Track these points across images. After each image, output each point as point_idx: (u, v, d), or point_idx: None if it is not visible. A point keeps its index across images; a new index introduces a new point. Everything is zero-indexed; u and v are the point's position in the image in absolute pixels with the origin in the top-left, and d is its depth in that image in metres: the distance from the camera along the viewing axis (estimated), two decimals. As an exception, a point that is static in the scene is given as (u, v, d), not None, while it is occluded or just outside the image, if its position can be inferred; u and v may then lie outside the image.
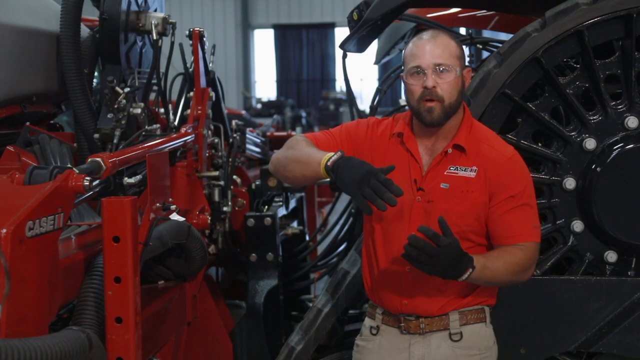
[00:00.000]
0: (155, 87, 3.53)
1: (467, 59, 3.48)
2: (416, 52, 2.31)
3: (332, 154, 2.22)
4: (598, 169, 2.74)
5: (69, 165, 2.68)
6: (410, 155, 2.38)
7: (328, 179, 2.21)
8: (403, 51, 2.41)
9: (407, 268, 2.36)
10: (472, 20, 3.88)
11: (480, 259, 2.25)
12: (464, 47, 3.55)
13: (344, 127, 2.50)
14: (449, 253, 2.14)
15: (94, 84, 3.51)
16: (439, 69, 2.27)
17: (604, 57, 2.79)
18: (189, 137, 3.31)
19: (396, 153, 2.40)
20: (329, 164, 2.19)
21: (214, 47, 4.04)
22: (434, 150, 2.37)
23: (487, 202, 2.33)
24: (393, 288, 2.41)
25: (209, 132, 3.66)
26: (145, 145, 2.76)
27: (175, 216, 2.62)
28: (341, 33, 22.54)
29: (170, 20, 3.48)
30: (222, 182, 3.67)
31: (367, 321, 2.54)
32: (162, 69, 3.55)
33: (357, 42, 3.17)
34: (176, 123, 3.66)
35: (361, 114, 3.87)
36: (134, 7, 3.36)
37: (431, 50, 2.28)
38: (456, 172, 2.34)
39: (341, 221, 4.30)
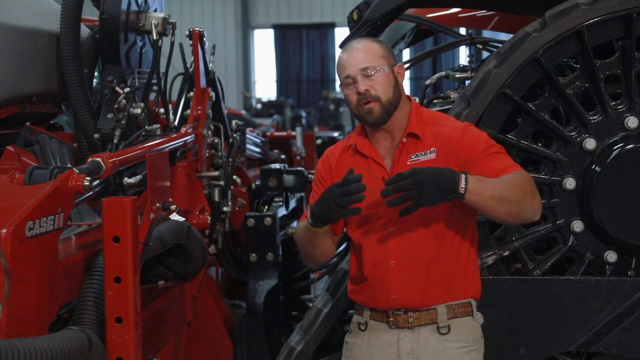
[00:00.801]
0: (155, 87, 3.53)
1: (467, 59, 3.48)
2: (343, 63, 2.44)
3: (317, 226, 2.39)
4: (598, 169, 2.74)
5: (69, 165, 2.68)
6: (371, 160, 2.47)
7: (325, 227, 2.40)
8: (336, 65, 2.51)
9: (391, 262, 2.42)
10: (472, 21, 3.88)
11: (472, 175, 2.25)
12: (465, 47, 3.57)
13: (313, 182, 2.63)
14: (422, 173, 2.18)
15: (94, 84, 3.51)
16: (367, 73, 2.38)
17: (604, 57, 2.79)
18: (189, 137, 3.31)
19: (358, 163, 2.49)
20: (309, 221, 2.39)
21: (214, 47, 4.04)
22: (394, 147, 2.45)
23: None
24: (380, 284, 2.44)
25: (209, 132, 3.66)
26: (145, 145, 2.76)
27: (175, 216, 2.62)
28: (341, 33, 22.52)
29: (170, 20, 3.48)
30: (222, 182, 3.67)
31: (356, 318, 2.58)
32: (162, 69, 3.55)
33: (357, 42, 3.16)
34: (176, 123, 3.66)
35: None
36: (134, 7, 3.36)
37: (355, 57, 2.41)
38: (417, 158, 2.41)
39: (341, 221, 4.30)
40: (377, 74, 2.38)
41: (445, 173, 2.20)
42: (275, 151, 5.82)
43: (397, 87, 2.43)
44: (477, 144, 2.38)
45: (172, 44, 3.60)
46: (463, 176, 2.21)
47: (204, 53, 3.77)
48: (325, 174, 2.56)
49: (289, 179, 4.19)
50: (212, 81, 3.88)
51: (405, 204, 2.21)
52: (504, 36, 3.63)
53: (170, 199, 2.65)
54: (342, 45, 3.23)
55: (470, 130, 2.43)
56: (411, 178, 2.17)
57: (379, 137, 2.47)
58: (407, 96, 2.51)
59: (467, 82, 3.17)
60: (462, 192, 2.20)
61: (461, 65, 3.48)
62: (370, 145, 2.49)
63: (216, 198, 3.65)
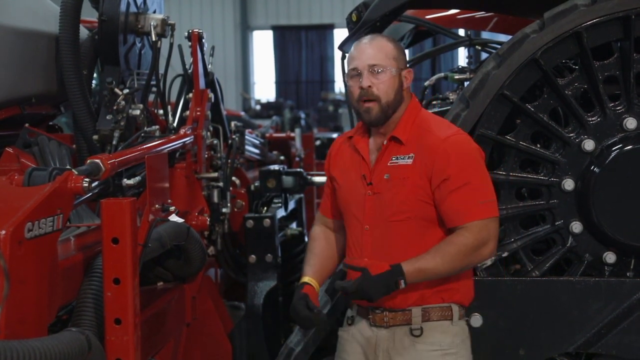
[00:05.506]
0: (154, 89, 3.53)
1: (466, 60, 3.49)
2: (354, 55, 2.47)
3: (302, 281, 2.57)
4: (597, 170, 2.74)
5: (68, 167, 2.67)
6: (360, 154, 2.53)
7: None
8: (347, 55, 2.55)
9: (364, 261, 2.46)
10: (471, 22, 3.88)
11: (413, 263, 2.34)
12: (464, 48, 3.57)
13: (326, 175, 2.71)
14: (365, 288, 2.33)
15: (93, 85, 3.51)
16: (374, 70, 2.40)
17: (603, 59, 2.79)
18: (188, 138, 3.31)
19: (351, 155, 2.58)
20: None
21: (213, 48, 4.03)
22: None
23: (427, 186, 2.40)
24: None
25: (208, 133, 3.66)
26: (145, 146, 2.76)
27: (174, 217, 2.62)
28: (340, 34, 22.49)
29: (169, 22, 3.48)
30: (221, 184, 3.67)
31: (347, 311, 2.65)
32: (161, 71, 3.55)
33: (356, 44, 3.17)
34: (175, 124, 3.65)
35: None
36: (133, 9, 3.36)
37: (367, 52, 2.44)
38: (396, 161, 2.44)
39: (340, 222, 4.30)
40: (383, 73, 2.41)
41: (386, 283, 2.32)
42: (274, 152, 5.82)
43: (400, 91, 2.46)
44: (447, 165, 2.37)
45: (171, 45, 3.59)
46: (402, 281, 2.32)
47: (203, 54, 3.77)
48: (328, 162, 2.67)
49: (287, 180, 4.20)
50: (211, 82, 3.87)
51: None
52: (503, 37, 3.64)
53: (169, 200, 2.65)
54: (341, 47, 3.24)
55: (449, 145, 2.40)
56: (357, 293, 2.35)
57: (375, 133, 2.53)
58: (410, 94, 2.53)
59: (466, 84, 3.17)
60: (403, 286, 2.35)
61: (460, 67, 3.48)
62: (364, 140, 2.54)
63: (215, 199, 3.65)
